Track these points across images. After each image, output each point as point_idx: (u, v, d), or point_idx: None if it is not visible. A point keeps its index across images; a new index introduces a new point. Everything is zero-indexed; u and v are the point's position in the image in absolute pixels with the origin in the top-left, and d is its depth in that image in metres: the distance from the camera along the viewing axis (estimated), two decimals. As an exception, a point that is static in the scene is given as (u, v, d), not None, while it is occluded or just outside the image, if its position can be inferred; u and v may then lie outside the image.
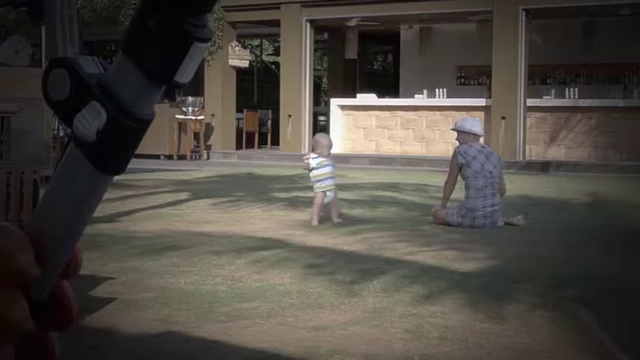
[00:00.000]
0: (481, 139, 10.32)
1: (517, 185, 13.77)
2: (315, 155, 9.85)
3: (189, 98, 23.02)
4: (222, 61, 24.15)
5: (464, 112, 20.07)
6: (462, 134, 9.99)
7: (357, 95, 24.62)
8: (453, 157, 10.00)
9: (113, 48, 29.40)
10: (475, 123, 10.36)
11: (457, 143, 10.11)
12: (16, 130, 7.83)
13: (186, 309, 5.56)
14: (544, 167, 19.91)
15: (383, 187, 14.28)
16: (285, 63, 24.09)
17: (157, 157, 21.70)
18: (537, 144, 21.48)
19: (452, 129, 10.47)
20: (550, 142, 21.48)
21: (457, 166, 9.82)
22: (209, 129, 24.31)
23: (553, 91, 22.28)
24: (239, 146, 25.39)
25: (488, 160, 9.80)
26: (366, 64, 32.45)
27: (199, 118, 23.26)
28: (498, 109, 20.99)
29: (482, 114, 21.11)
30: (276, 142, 25.19)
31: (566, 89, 22.11)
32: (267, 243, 8.26)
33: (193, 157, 23.40)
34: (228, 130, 25.02)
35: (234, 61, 24.69)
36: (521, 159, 20.68)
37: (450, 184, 9.97)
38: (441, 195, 10.12)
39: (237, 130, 25.56)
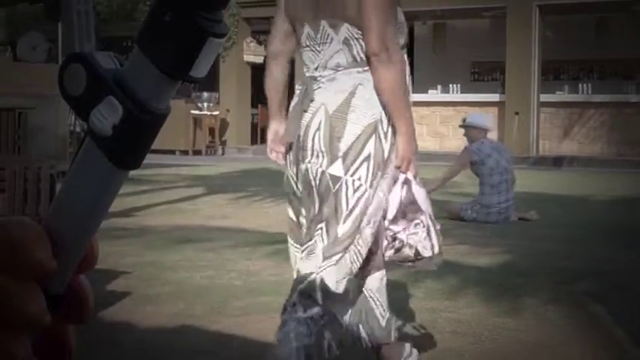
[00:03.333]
0: (489, 134, 10.24)
1: (530, 181, 13.75)
2: None
3: (205, 94, 23.05)
4: (237, 56, 24.16)
5: (477, 108, 20.05)
6: (473, 130, 9.89)
7: (372, 91, 24.56)
8: (462, 153, 9.89)
9: (129, 44, 29.45)
10: (484, 117, 10.34)
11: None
12: (33, 125, 7.84)
13: (201, 303, 5.58)
14: (557, 162, 19.87)
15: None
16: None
17: (173, 152, 21.74)
18: (550, 139, 21.44)
19: (461, 125, 10.28)
20: (563, 137, 21.44)
21: (467, 162, 9.72)
22: (224, 124, 24.33)
23: (566, 87, 22.22)
24: (254, 141, 25.40)
25: (501, 155, 9.76)
26: (381, 59, 32.39)
27: (214, 113, 23.28)
28: (512, 104, 20.95)
29: (495, 109, 21.08)
30: (290, 137, 25.15)
31: (580, 85, 22.05)
32: (282, 237, 8.21)
33: (208, 152, 23.43)
34: (243, 126, 25.03)
35: (249, 57, 24.70)
36: (534, 154, 20.63)
37: (450, 171, 9.84)
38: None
39: (252, 126, 25.57)
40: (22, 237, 0.63)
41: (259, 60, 25.32)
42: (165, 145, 20.41)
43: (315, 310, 3.75)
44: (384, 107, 3.78)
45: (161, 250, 7.45)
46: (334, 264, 3.75)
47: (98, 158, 0.64)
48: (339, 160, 3.70)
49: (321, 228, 3.79)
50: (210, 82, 24.33)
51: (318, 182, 3.77)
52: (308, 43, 3.85)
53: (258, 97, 26.85)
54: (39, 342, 0.66)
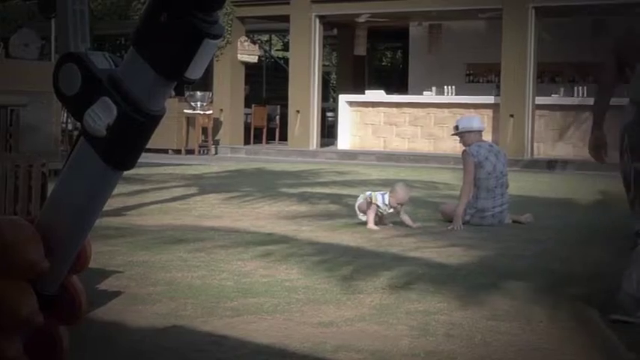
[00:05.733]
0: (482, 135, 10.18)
1: (525, 183, 13.77)
2: (386, 203, 9.31)
3: (198, 93, 23.02)
4: (231, 56, 24.14)
5: (472, 110, 20.07)
6: (469, 134, 9.83)
7: (366, 92, 24.60)
8: (465, 158, 9.71)
9: (123, 42, 29.43)
10: (476, 119, 10.31)
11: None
12: (25, 123, 7.81)
13: (192, 303, 5.57)
14: (551, 165, 19.88)
15: (391, 184, 14.24)
16: (294, 59, 24.09)
17: (165, 151, 21.72)
18: (545, 142, 21.44)
19: (455, 133, 10.11)
20: (558, 140, 21.45)
21: (473, 165, 9.57)
22: (217, 124, 24.32)
23: (562, 90, 22.22)
24: (247, 141, 25.39)
25: (498, 159, 9.72)
26: (375, 60, 32.43)
27: (208, 112, 23.26)
28: (507, 106, 20.96)
29: (490, 112, 21.10)
30: (284, 137, 25.18)
31: (575, 88, 22.05)
32: (274, 238, 8.26)
33: (201, 151, 23.41)
34: (237, 125, 25.02)
35: (243, 56, 24.67)
36: (529, 157, 20.65)
37: (467, 185, 9.67)
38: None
39: (246, 125, 25.56)
40: (14, 237, 0.62)
41: (253, 59, 25.30)
42: (157, 144, 20.36)
43: None
44: None
45: (153, 250, 7.44)
46: None
47: (92, 158, 0.64)
48: None
49: None
50: (204, 82, 24.30)
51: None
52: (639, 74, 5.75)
53: (253, 97, 26.87)
54: (31, 341, 0.65)
